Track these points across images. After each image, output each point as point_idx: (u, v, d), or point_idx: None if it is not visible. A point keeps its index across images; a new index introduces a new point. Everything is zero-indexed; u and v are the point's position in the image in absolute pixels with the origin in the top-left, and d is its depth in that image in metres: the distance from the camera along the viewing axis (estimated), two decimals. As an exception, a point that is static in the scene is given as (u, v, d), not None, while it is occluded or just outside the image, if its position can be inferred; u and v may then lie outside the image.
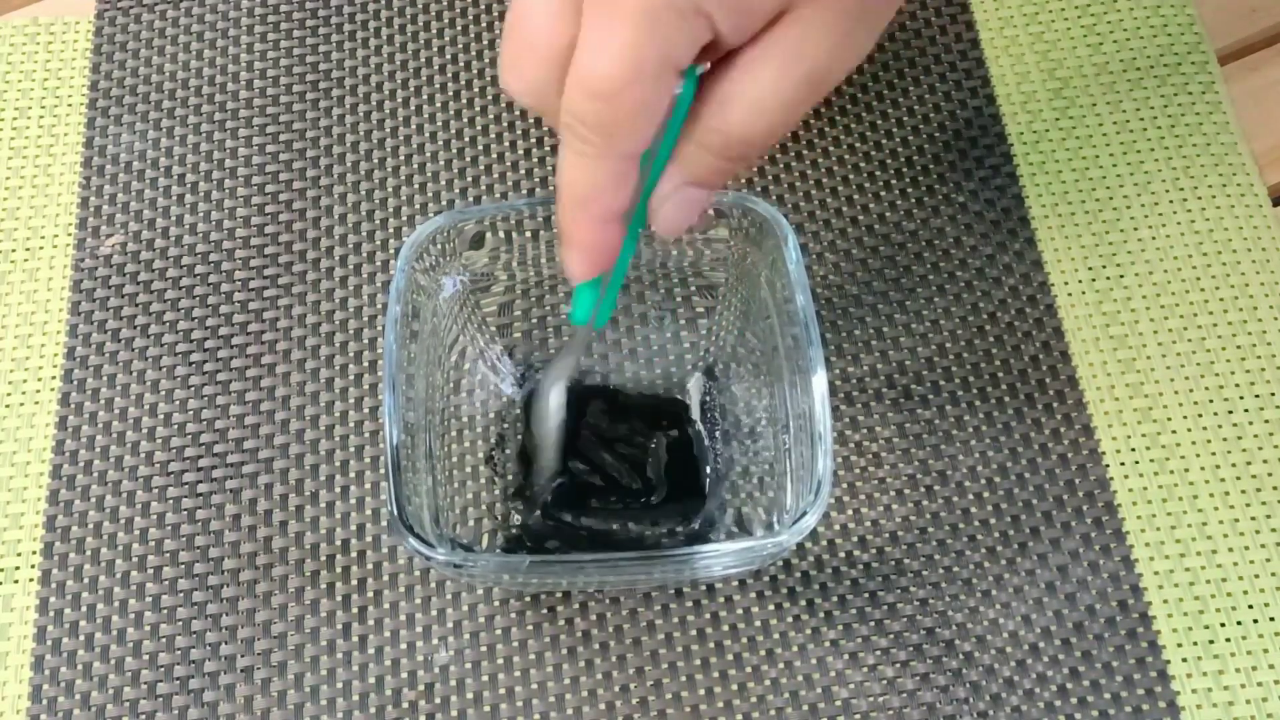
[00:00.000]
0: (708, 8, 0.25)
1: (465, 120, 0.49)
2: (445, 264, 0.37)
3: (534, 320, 0.43)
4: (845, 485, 0.42)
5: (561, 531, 0.40)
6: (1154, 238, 0.46)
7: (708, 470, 0.41)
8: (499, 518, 0.41)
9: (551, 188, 0.47)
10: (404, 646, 0.39)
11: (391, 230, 0.46)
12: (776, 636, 0.39)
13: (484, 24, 0.51)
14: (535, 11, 0.27)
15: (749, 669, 0.39)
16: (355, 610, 0.40)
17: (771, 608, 0.40)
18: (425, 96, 0.49)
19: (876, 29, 0.28)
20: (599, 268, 0.30)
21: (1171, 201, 0.47)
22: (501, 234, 0.38)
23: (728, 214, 0.37)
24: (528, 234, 0.38)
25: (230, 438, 0.43)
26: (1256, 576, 0.40)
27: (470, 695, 0.39)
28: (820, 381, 0.33)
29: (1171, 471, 0.42)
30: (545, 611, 0.40)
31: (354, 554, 0.41)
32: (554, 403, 0.39)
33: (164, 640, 0.39)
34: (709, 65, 0.28)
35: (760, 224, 0.36)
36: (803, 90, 0.27)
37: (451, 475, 0.41)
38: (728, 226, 0.38)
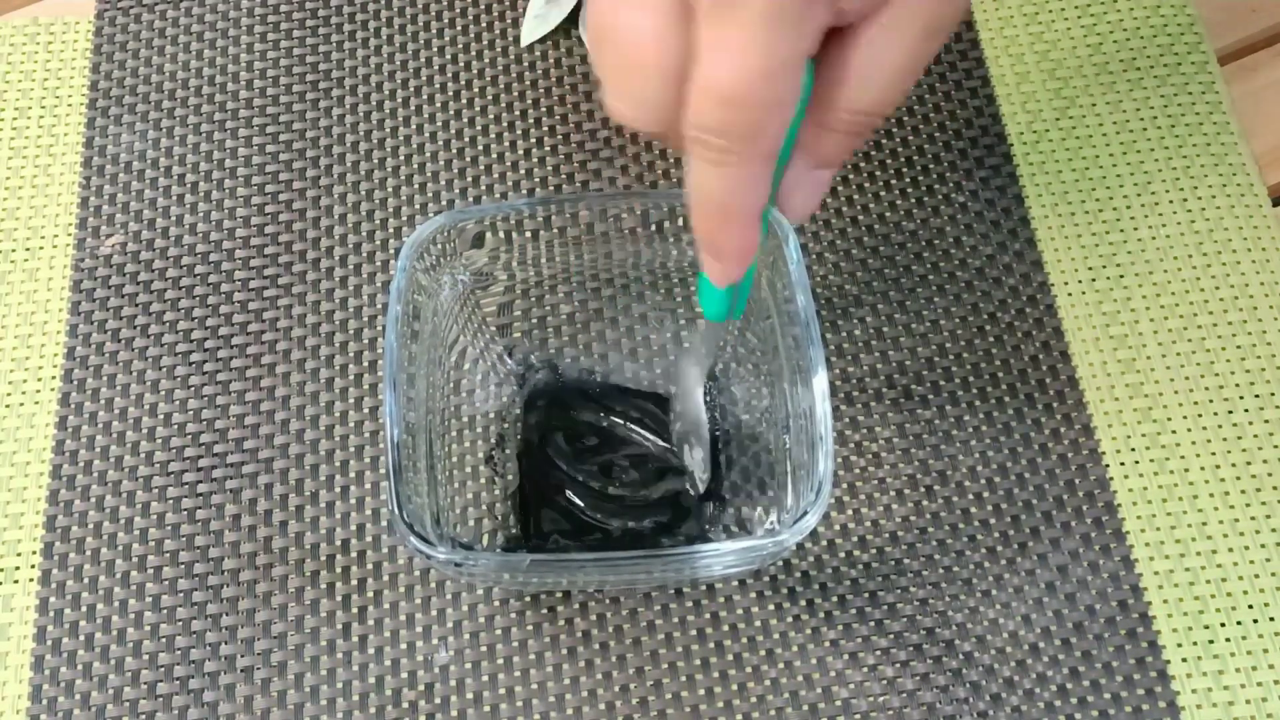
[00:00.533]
0: None
1: (465, 120, 0.49)
2: (445, 264, 0.37)
3: (534, 320, 0.43)
4: (845, 485, 0.42)
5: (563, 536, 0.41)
6: (1154, 238, 0.46)
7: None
8: (499, 518, 0.41)
9: (551, 188, 0.47)
10: (404, 646, 0.39)
11: (391, 230, 0.46)
12: (776, 636, 0.39)
13: (484, 24, 0.51)
14: (641, 28, 0.25)
15: (749, 669, 0.39)
16: (355, 610, 0.40)
17: (771, 608, 0.40)
18: (425, 96, 0.49)
19: None
20: (746, 267, 0.30)
21: (1171, 201, 0.47)
22: (501, 234, 0.38)
23: None
24: (528, 234, 0.38)
25: (230, 438, 0.43)
26: (1256, 576, 0.40)
27: (470, 695, 0.39)
28: (820, 381, 0.33)
29: (1171, 471, 0.42)
30: (545, 611, 0.40)
31: (354, 554, 0.41)
32: (696, 402, 0.40)
33: (164, 640, 0.39)
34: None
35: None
36: (927, 49, 0.27)
37: (451, 475, 0.41)
38: None
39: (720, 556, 0.34)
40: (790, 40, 0.25)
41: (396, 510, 0.32)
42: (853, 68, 0.26)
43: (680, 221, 0.39)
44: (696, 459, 0.41)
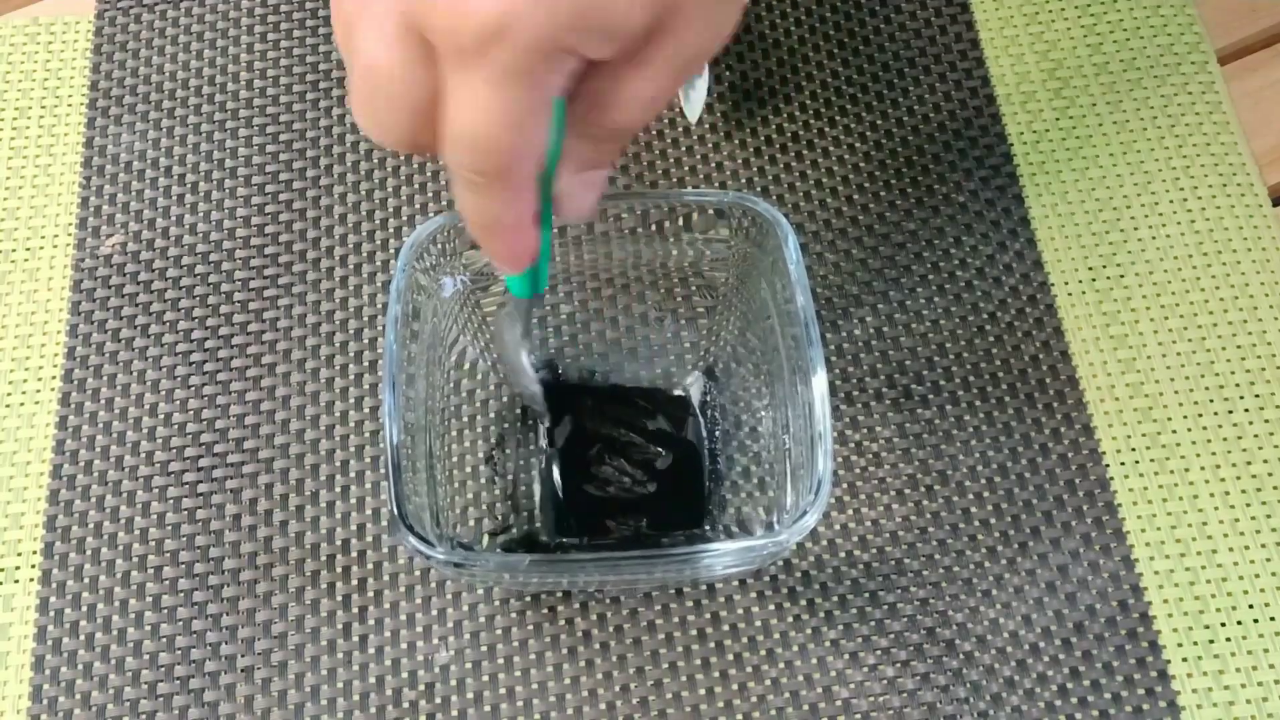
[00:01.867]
0: (571, 44, 0.25)
1: (465, 120, 0.49)
2: (445, 264, 0.37)
3: (534, 320, 0.43)
4: (845, 485, 0.42)
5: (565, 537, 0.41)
6: (1154, 238, 0.46)
7: (708, 469, 0.41)
8: (499, 518, 0.41)
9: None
10: (404, 646, 0.39)
11: (391, 230, 0.46)
12: (777, 636, 0.39)
13: (484, 24, 0.51)
14: (385, 63, 0.26)
15: (749, 669, 0.39)
16: (355, 610, 0.40)
17: (772, 608, 0.40)
18: (425, 96, 0.49)
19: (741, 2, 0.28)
20: (529, 262, 0.30)
21: (1171, 201, 0.47)
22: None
23: (728, 214, 0.37)
24: None
25: (230, 438, 0.43)
26: (1256, 576, 0.40)
27: (470, 695, 0.39)
28: (820, 381, 0.33)
29: (1171, 471, 0.42)
30: (545, 611, 0.40)
31: (354, 554, 0.41)
32: (520, 368, 0.39)
33: (164, 640, 0.39)
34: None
35: (761, 224, 0.36)
36: (681, 77, 0.27)
37: (451, 475, 0.41)
38: (728, 226, 0.38)
39: (720, 556, 0.34)
40: (535, 92, 0.25)
41: (396, 510, 0.32)
42: (612, 97, 0.27)
43: (680, 221, 0.39)
44: (521, 383, 0.40)
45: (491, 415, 0.42)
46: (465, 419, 0.42)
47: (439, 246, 0.37)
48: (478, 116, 0.25)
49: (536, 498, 0.41)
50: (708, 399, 0.42)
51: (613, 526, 0.40)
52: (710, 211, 0.37)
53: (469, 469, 0.41)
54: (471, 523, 0.41)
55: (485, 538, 0.40)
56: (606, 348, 0.44)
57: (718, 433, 0.42)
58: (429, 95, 0.26)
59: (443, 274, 0.38)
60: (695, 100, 0.48)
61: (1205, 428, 0.43)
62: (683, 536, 0.40)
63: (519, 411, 0.42)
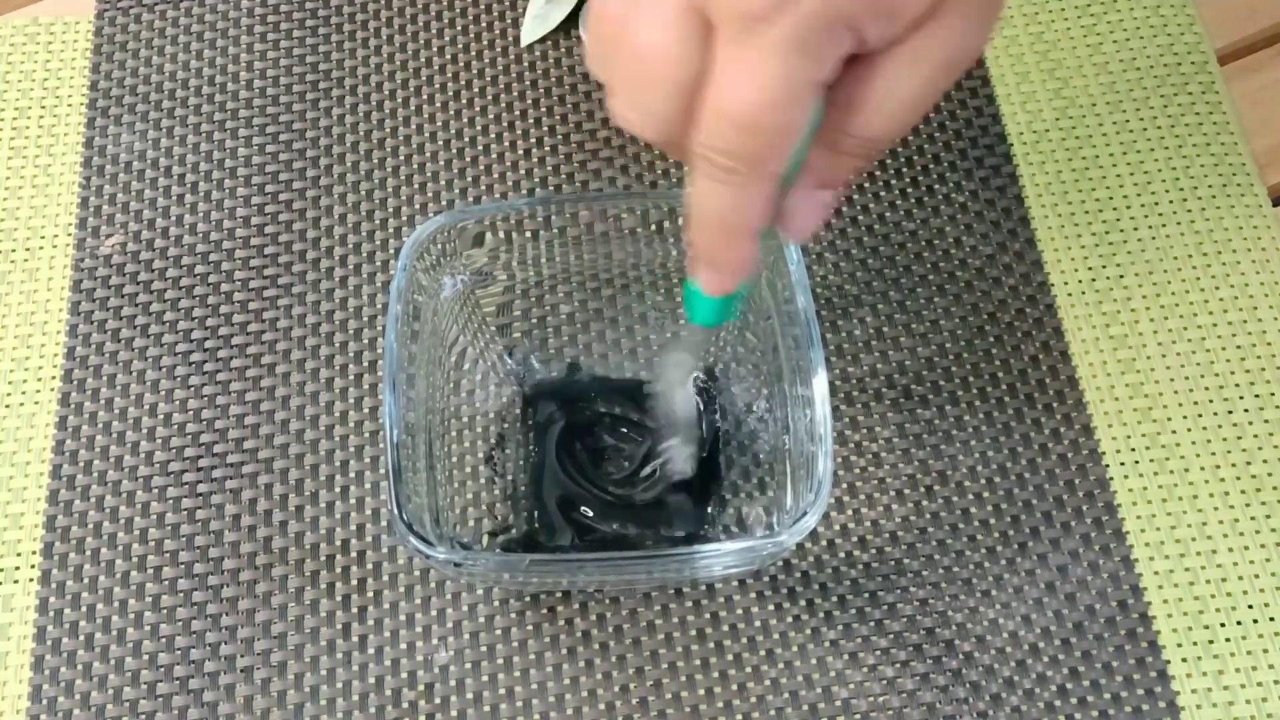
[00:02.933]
0: (858, 20, 0.24)
1: (465, 120, 0.49)
2: (446, 263, 0.37)
3: (534, 320, 0.43)
4: (845, 485, 0.42)
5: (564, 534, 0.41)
6: (1154, 238, 0.46)
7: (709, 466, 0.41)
8: (499, 518, 0.41)
9: (551, 187, 0.47)
10: (404, 646, 0.39)
11: (391, 230, 0.46)
12: (776, 636, 0.39)
13: (484, 24, 0.51)
14: (657, 41, 0.25)
15: (749, 669, 0.39)
16: (355, 610, 0.40)
17: (771, 608, 0.40)
18: (425, 96, 0.49)
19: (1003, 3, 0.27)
20: (742, 277, 0.29)
21: (1171, 201, 0.47)
22: (501, 233, 0.38)
23: None
24: (528, 233, 0.38)
25: (230, 438, 0.43)
26: (1256, 576, 0.40)
27: (470, 695, 0.39)
28: (820, 382, 0.33)
29: (1171, 471, 0.42)
30: (545, 611, 0.40)
31: (354, 554, 0.41)
32: (682, 401, 0.39)
33: (164, 640, 0.39)
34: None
35: None
36: (944, 82, 0.26)
37: (451, 475, 0.40)
38: None
39: (720, 557, 0.34)
40: (809, 69, 0.24)
41: (396, 511, 0.32)
42: (868, 96, 0.26)
43: (680, 221, 0.38)
44: (683, 456, 0.40)
45: (491, 415, 0.42)
46: (465, 419, 0.42)
47: (439, 246, 0.36)
48: (750, 88, 0.24)
49: (537, 499, 0.41)
50: (705, 398, 0.42)
51: (614, 528, 0.40)
52: None
53: (469, 469, 0.41)
54: (471, 523, 0.41)
55: (485, 538, 0.40)
56: (606, 348, 0.44)
57: (719, 429, 0.42)
58: (696, 76, 0.25)
59: (443, 274, 0.37)
60: None
61: (1205, 428, 0.43)
62: (682, 536, 0.40)
63: (519, 412, 0.42)
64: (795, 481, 0.36)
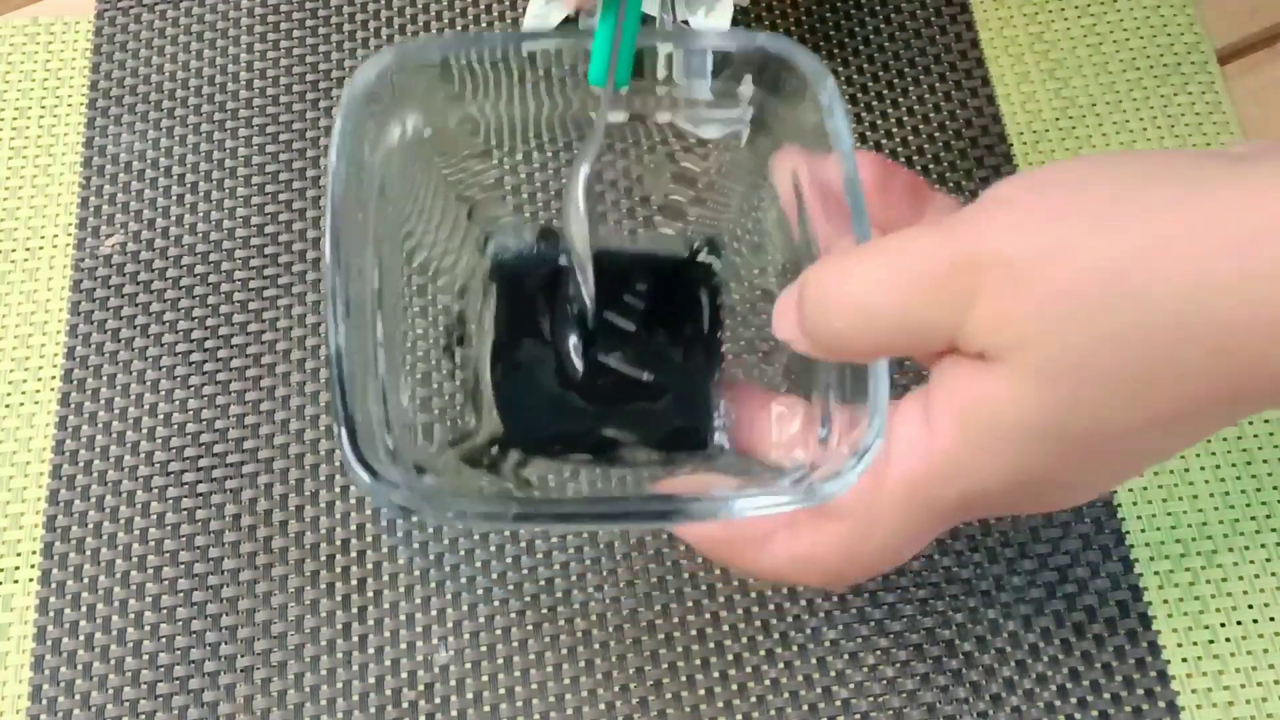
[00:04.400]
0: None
1: (465, 120, 0.49)
2: (398, 109, 0.31)
3: (503, 175, 0.37)
4: (845, 485, 0.42)
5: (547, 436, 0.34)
6: (1154, 238, 0.46)
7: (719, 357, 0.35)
8: (457, 421, 0.34)
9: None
10: (404, 646, 0.39)
11: (391, 230, 0.46)
12: (776, 636, 0.39)
13: (484, 24, 0.51)
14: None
15: (749, 669, 0.39)
16: (355, 610, 0.40)
17: (771, 608, 0.40)
18: (425, 96, 0.49)
19: None
20: None
21: (1171, 201, 0.47)
22: (466, 74, 0.31)
23: (748, 62, 0.31)
24: (500, 73, 0.32)
25: (230, 438, 0.43)
26: (1256, 576, 0.40)
27: (470, 695, 0.39)
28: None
29: (1171, 471, 0.42)
30: (545, 611, 0.40)
31: (354, 554, 0.41)
32: (580, 195, 0.32)
33: (164, 640, 0.39)
34: None
35: (790, 78, 0.30)
36: None
37: (409, 379, 0.33)
38: (749, 75, 0.31)
39: (758, 503, 0.27)
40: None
41: (347, 438, 0.26)
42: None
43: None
44: (582, 283, 0.33)
45: (452, 294, 0.35)
46: (419, 305, 0.35)
47: (391, 87, 0.30)
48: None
49: (504, 391, 0.34)
50: (713, 279, 0.35)
51: (599, 425, 0.34)
52: (710, 59, 0.31)
53: (433, 362, 0.35)
54: (435, 442, 0.34)
55: (445, 450, 0.33)
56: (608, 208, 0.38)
57: (718, 309, 0.35)
58: None
59: (393, 121, 0.31)
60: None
61: (1205, 428, 0.43)
62: (684, 457, 0.34)
63: (483, 288, 0.35)
64: (823, 386, 0.29)
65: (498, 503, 0.29)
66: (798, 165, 0.31)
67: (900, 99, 0.49)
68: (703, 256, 0.37)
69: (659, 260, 0.37)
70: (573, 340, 0.35)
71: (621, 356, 0.35)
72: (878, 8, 0.51)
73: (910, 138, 0.48)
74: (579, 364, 0.35)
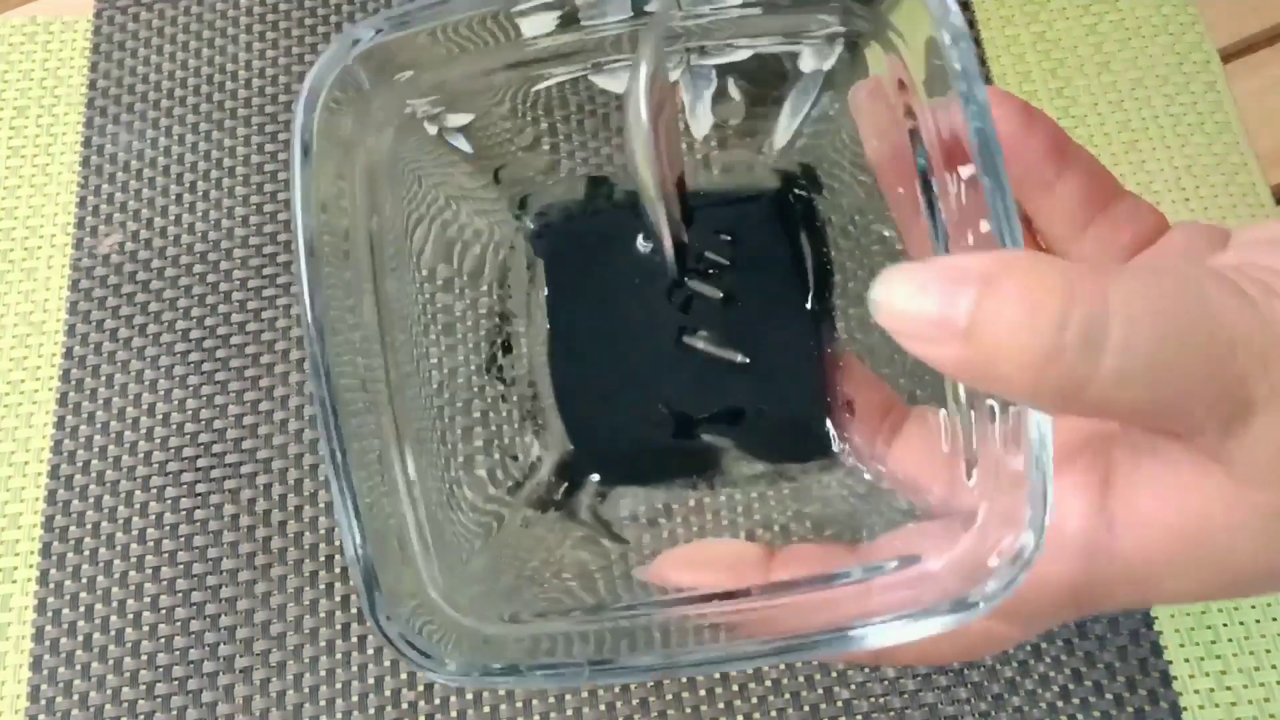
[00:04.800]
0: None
1: (465, 119, 0.49)
2: (382, 92, 0.25)
3: (526, 141, 0.29)
4: (846, 485, 0.42)
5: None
6: (1156, 237, 0.46)
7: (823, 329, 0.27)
8: (515, 456, 0.27)
9: None
10: (403, 647, 0.39)
11: (391, 230, 0.46)
12: (777, 637, 0.39)
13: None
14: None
15: (749, 669, 0.39)
16: (354, 610, 0.40)
17: (772, 608, 0.40)
18: (425, 96, 0.49)
19: None
20: None
21: (1174, 201, 0.47)
22: (445, 40, 0.24)
23: None
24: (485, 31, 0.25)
25: (229, 438, 0.42)
26: (1259, 577, 0.40)
27: (470, 695, 0.39)
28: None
29: (1174, 471, 0.42)
30: (545, 612, 0.40)
31: (353, 554, 0.41)
32: (643, 108, 0.23)
33: (162, 640, 0.39)
34: None
35: None
36: None
37: (451, 443, 0.26)
38: None
39: (906, 632, 0.20)
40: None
41: (372, 615, 0.20)
42: None
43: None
44: (658, 236, 0.25)
45: (482, 291, 0.27)
46: (443, 324, 0.27)
47: (372, 63, 0.23)
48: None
49: (573, 401, 0.27)
50: (815, 221, 0.26)
51: (691, 442, 0.26)
52: None
53: (475, 389, 0.27)
54: (490, 489, 0.27)
55: (505, 496, 0.26)
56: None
57: (834, 280, 0.27)
58: None
59: (374, 107, 0.24)
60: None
61: (1208, 428, 0.42)
62: (796, 468, 0.27)
63: (529, 256, 0.27)
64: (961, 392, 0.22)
65: (570, 666, 0.22)
66: (895, 104, 0.23)
67: (901, 98, 0.49)
68: (799, 191, 0.28)
69: (742, 197, 0.28)
70: (646, 318, 0.27)
71: (708, 335, 0.27)
72: (878, 7, 0.51)
73: (911, 137, 0.48)
74: (658, 349, 0.27)
